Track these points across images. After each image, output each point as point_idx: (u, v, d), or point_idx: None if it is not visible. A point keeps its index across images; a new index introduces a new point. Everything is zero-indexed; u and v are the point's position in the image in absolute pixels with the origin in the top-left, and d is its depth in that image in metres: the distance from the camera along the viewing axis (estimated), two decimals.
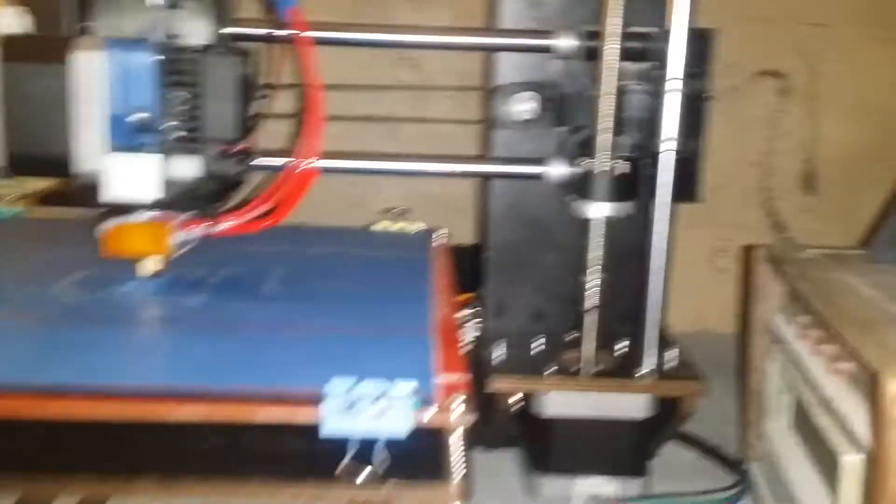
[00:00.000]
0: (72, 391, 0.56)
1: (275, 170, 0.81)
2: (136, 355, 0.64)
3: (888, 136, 1.24)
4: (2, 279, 0.78)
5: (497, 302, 0.91)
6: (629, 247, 0.82)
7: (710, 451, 0.94)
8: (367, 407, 0.57)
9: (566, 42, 0.83)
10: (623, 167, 0.81)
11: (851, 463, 0.60)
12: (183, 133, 0.71)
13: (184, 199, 0.73)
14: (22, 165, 0.71)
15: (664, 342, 0.84)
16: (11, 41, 0.69)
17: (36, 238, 0.91)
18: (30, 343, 0.64)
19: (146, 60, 0.70)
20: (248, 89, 0.74)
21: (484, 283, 0.91)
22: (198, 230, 0.74)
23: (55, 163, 0.70)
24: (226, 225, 0.74)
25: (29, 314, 0.68)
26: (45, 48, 0.69)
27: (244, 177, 0.77)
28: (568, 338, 0.87)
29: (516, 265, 0.90)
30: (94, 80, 0.68)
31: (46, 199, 0.74)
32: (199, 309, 0.72)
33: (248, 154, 0.76)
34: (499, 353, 0.85)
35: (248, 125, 0.74)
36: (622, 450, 0.84)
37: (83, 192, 0.71)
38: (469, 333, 0.88)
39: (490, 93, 0.88)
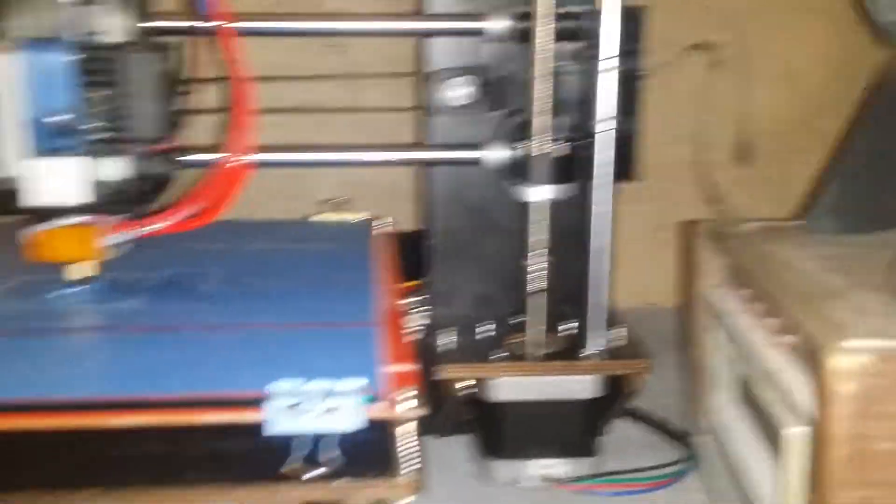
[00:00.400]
0: (7, 404, 0.54)
1: (205, 166, 0.79)
2: (72, 365, 0.62)
3: (818, 107, 1.27)
4: None
5: (442, 288, 0.90)
6: (571, 228, 0.82)
7: (659, 427, 0.95)
8: (314, 406, 0.56)
9: (498, 24, 0.83)
10: (561, 149, 0.81)
11: (794, 435, 0.60)
12: (106, 133, 0.69)
13: (111, 201, 0.71)
14: None
15: (611, 321, 0.85)
16: None
17: None
18: None
19: (62, 60, 0.68)
20: (171, 85, 0.72)
21: (428, 270, 0.90)
22: (128, 232, 0.72)
23: None
24: (157, 226, 0.72)
25: None
26: None
27: (173, 175, 0.75)
28: (514, 322, 0.87)
29: (460, 251, 0.90)
30: (9, 82, 0.66)
31: None
32: (135, 313, 0.70)
33: (175, 152, 0.74)
34: (446, 340, 0.85)
35: (173, 122, 0.72)
36: (571, 431, 0.85)
37: (5, 199, 0.69)
38: (416, 322, 0.87)
39: (424, 78, 0.87)
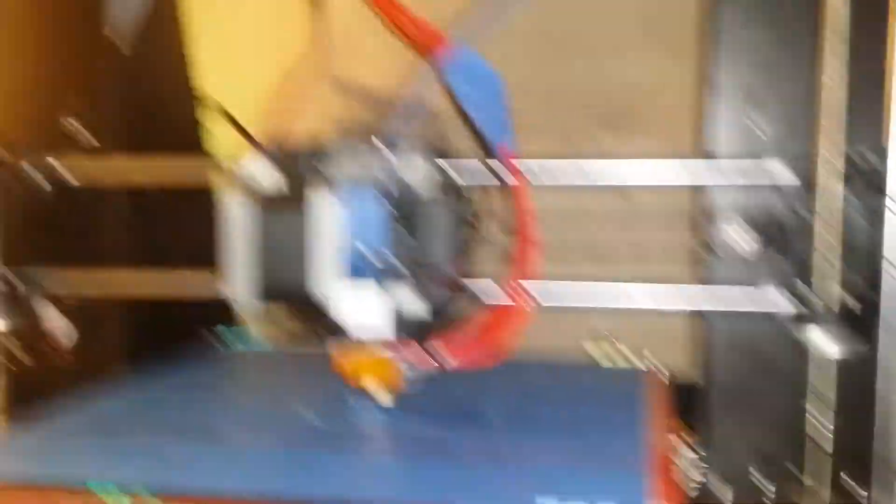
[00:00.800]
0: (309, 501, 0.61)
1: (493, 300, 0.84)
2: (369, 473, 0.69)
3: None
4: (253, 405, 0.86)
5: (715, 439, 0.88)
6: (861, 384, 0.78)
7: None
8: None
9: (780, 170, 0.83)
10: (852, 302, 0.77)
11: None
12: (407, 269, 0.75)
13: (409, 332, 0.76)
14: (266, 297, 0.77)
15: None
16: (259, 190, 0.76)
17: (281, 368, 0.99)
18: (279, 462, 0.70)
19: (375, 203, 0.74)
20: (467, 226, 0.78)
21: (702, 418, 0.88)
22: (422, 362, 0.77)
23: (296, 294, 0.75)
24: (449, 356, 0.77)
25: (276, 437, 0.75)
26: (288, 195, 0.75)
27: (467, 311, 0.81)
28: (794, 480, 0.82)
29: (737, 400, 0.86)
30: (330, 221, 0.73)
31: (291, 332, 0.81)
32: (421, 434, 0.75)
33: (467, 288, 0.79)
34: (717, 494, 0.82)
35: (469, 261, 0.78)
36: None
37: (322, 325, 0.78)
38: (687, 475, 0.85)
39: (705, 222, 0.87)
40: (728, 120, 0.86)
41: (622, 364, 0.97)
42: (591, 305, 0.89)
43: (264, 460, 0.70)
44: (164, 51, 1.16)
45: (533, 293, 0.77)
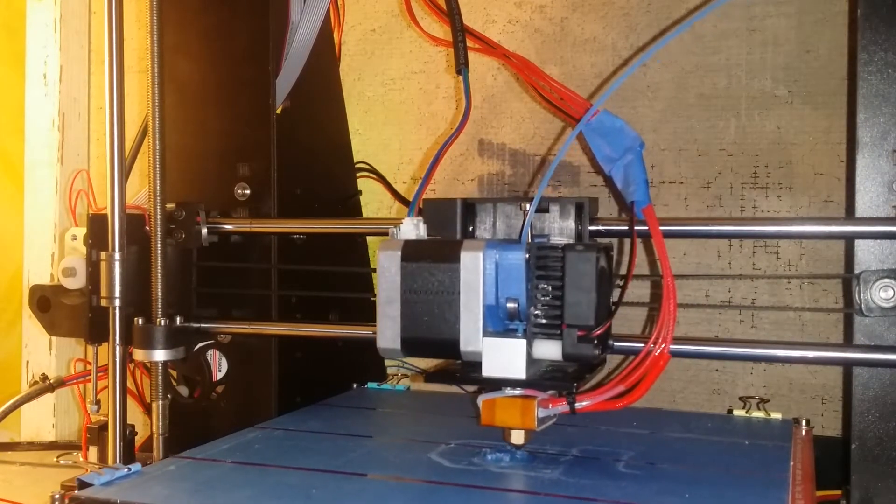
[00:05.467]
0: None
1: (631, 353, 0.86)
2: None
3: None
4: (390, 445, 0.90)
5: (863, 501, 0.85)
6: None
7: None
8: None
9: None
10: None
11: None
12: (546, 320, 0.78)
13: (547, 379, 0.79)
14: (413, 348, 0.81)
15: None
16: (409, 245, 0.80)
17: (421, 409, 1.03)
18: (410, 501, 0.73)
19: (518, 258, 0.77)
20: (605, 279, 0.80)
21: (849, 479, 0.86)
22: (558, 407, 0.79)
23: (442, 345, 0.79)
24: (584, 403, 0.79)
25: (409, 476, 0.78)
26: (436, 250, 0.79)
27: (602, 359, 0.83)
28: None
29: (886, 460, 0.84)
30: (476, 275, 0.76)
31: (432, 376, 0.85)
32: (554, 482, 0.77)
33: (605, 338, 0.81)
34: None
35: (605, 312, 0.80)
36: None
37: (465, 371, 0.81)
38: None
39: (851, 280, 0.86)
40: (874, 175, 0.85)
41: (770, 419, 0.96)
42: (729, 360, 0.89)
43: (396, 501, 0.73)
44: (326, 122, 1.26)
45: (671, 347, 0.77)
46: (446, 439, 0.87)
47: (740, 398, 1.00)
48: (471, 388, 0.92)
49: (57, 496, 0.71)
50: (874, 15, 0.85)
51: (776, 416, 0.96)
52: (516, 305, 0.77)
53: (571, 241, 0.85)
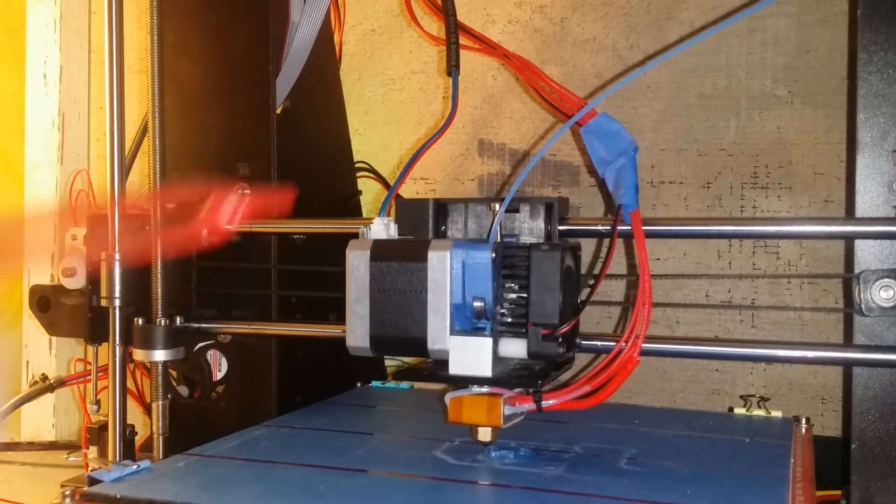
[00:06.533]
0: None
1: (602, 352, 0.86)
2: None
3: None
4: (395, 442, 0.91)
5: (863, 500, 0.85)
6: None
7: None
8: None
9: None
10: None
11: None
12: (512, 318, 0.78)
13: (513, 377, 0.79)
14: (382, 347, 0.80)
15: None
16: (378, 244, 0.80)
17: (425, 407, 1.03)
18: (415, 497, 0.73)
19: (484, 258, 0.77)
20: (572, 279, 0.80)
21: (849, 479, 0.86)
22: (525, 405, 0.79)
23: (410, 344, 0.78)
24: (550, 402, 0.79)
25: (415, 473, 0.79)
26: (405, 249, 0.79)
27: (569, 358, 0.83)
28: None
29: (886, 460, 0.84)
30: (443, 274, 0.76)
31: (401, 374, 0.85)
32: (557, 479, 0.77)
33: (572, 337, 0.81)
34: None
35: (571, 311, 0.80)
36: None
37: (435, 369, 0.80)
38: None
39: (851, 280, 0.86)
40: (874, 175, 0.85)
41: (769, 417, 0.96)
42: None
43: (400, 496, 0.73)
44: (326, 122, 1.26)
45: (639, 347, 0.77)
46: (450, 437, 0.88)
47: (741, 397, 1.00)
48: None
49: (67, 492, 0.70)
50: (874, 15, 0.85)
51: (776, 414, 0.96)
52: (483, 304, 0.77)
53: (537, 241, 0.85)
